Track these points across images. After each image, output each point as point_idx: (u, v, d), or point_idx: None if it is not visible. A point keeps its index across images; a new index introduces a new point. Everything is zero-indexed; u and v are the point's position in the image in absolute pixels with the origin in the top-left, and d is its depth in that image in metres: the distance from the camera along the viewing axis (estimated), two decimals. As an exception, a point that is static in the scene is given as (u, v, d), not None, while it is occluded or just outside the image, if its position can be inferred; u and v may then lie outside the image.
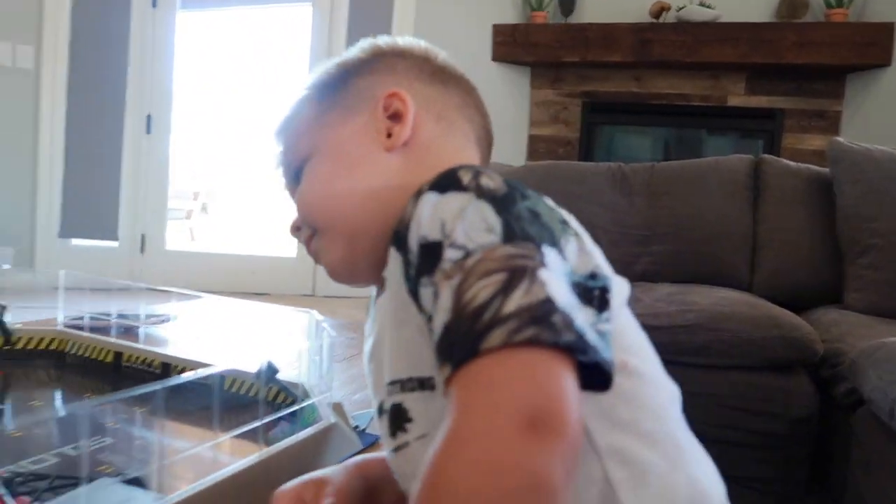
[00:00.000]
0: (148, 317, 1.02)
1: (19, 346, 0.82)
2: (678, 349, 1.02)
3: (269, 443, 0.55)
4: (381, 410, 0.42)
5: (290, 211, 0.52)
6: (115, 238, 3.73)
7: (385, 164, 0.46)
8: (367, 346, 0.46)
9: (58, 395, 0.74)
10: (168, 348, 0.93)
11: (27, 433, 0.59)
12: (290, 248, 4.18)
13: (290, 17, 4.95)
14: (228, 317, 1.23)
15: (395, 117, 0.46)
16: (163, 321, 1.08)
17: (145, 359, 0.78)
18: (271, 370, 0.63)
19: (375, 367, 0.44)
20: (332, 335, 0.58)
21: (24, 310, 0.89)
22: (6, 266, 3.35)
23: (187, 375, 0.51)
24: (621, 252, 1.55)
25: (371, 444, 0.66)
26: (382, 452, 0.55)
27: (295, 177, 0.49)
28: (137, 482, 0.45)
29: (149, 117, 3.80)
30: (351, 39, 4.25)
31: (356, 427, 0.66)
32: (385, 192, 0.45)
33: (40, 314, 0.96)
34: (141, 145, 3.80)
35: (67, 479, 0.46)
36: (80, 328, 0.87)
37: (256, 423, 0.51)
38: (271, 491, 0.52)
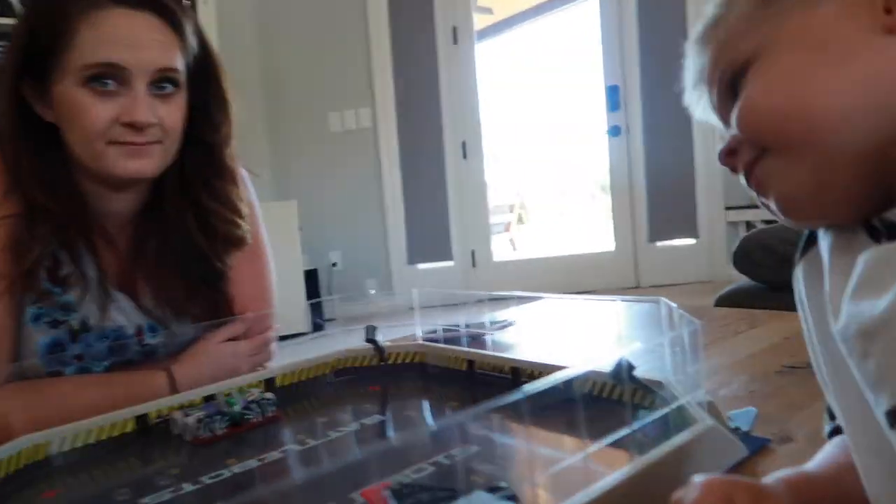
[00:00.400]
0: (492, 324, 1.05)
1: (390, 361, 0.91)
2: None
3: (638, 450, 0.49)
4: None
5: (722, 138, 0.44)
6: (450, 258, 4.14)
7: (892, 51, 0.35)
8: (847, 314, 0.34)
9: (426, 406, 0.78)
10: (514, 352, 0.94)
11: (405, 443, 0.63)
12: (608, 242, 4.11)
13: (577, 17, 4.94)
14: (567, 316, 1.22)
15: None
16: (504, 326, 1.11)
17: (495, 365, 0.79)
18: (629, 367, 0.56)
19: (887, 347, 0.32)
20: (696, 323, 0.50)
21: (388, 328, 0.99)
22: (372, 291, 3.95)
23: (549, 380, 0.48)
24: None
25: (758, 448, 0.55)
26: (798, 470, 0.44)
27: (730, 88, 0.41)
28: (513, 498, 0.43)
29: (463, 144, 4.15)
30: (642, 19, 4.07)
31: (736, 429, 0.56)
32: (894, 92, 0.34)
33: (401, 332, 1.05)
34: (460, 171, 4.16)
35: (445, 491, 0.46)
36: (436, 340, 0.93)
37: (626, 430, 0.45)
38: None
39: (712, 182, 3.85)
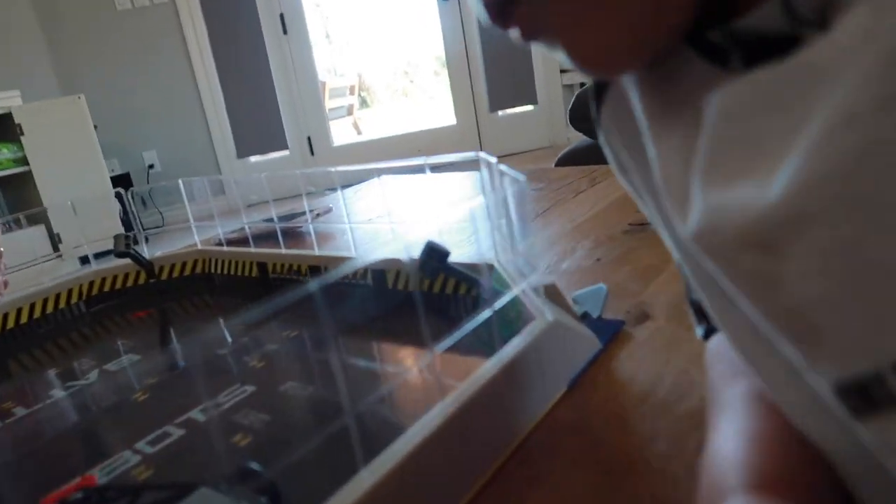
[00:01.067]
0: (295, 216, 0.86)
1: (163, 276, 0.70)
2: None
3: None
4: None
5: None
6: (285, 147, 3.80)
7: None
8: (708, 210, 0.19)
9: (205, 330, 0.60)
10: (330, 245, 0.76)
11: (153, 396, 0.45)
12: (448, 116, 3.97)
13: None
14: (400, 195, 1.05)
15: None
16: (320, 214, 0.92)
17: (291, 265, 0.62)
18: (437, 253, 0.41)
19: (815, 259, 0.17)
20: (520, 180, 0.34)
21: (180, 233, 0.77)
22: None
23: (327, 278, 0.31)
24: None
25: (612, 336, 0.43)
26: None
27: None
28: (252, 475, 0.27)
29: (282, 17, 3.70)
30: None
31: (584, 315, 0.43)
32: None
33: (207, 234, 0.83)
34: (283, 48, 3.73)
35: (162, 490, 0.29)
36: (235, 242, 0.73)
37: (442, 346, 0.30)
38: (481, 433, 0.32)
39: (547, 45, 3.76)
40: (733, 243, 0.18)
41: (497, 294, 0.39)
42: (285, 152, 3.80)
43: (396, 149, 3.88)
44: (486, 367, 0.32)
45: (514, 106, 3.97)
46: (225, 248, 0.69)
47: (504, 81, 3.95)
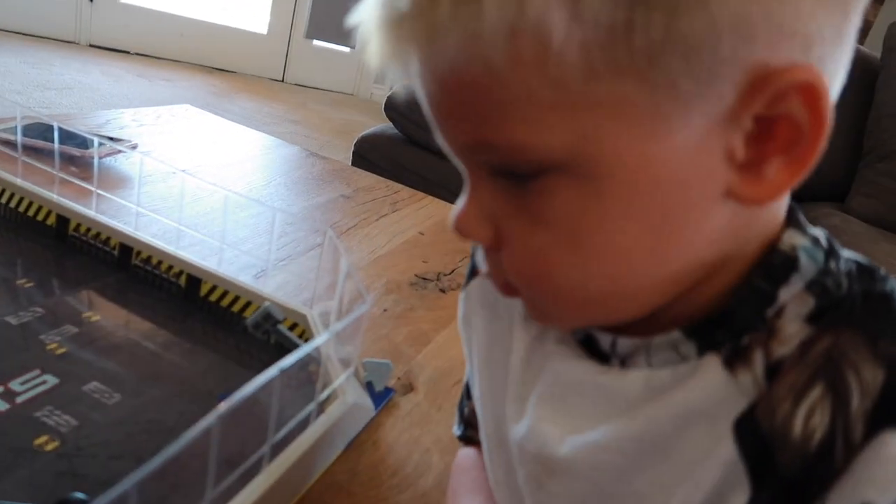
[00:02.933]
0: (108, 142, 0.81)
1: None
2: None
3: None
4: None
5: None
6: (59, -20, 3.21)
7: (715, 219, 0.24)
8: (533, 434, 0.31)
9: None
10: (131, 215, 0.75)
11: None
12: (261, 22, 3.74)
13: None
14: (212, 145, 1.03)
15: (777, 130, 0.22)
16: (121, 151, 0.88)
17: (99, 233, 0.61)
18: (271, 319, 0.48)
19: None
20: (366, 302, 0.43)
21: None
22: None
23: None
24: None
25: (387, 400, 0.54)
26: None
27: (512, 172, 0.25)
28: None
29: None
30: None
31: (368, 384, 0.53)
32: (697, 267, 0.25)
33: None
34: None
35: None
36: (13, 144, 0.68)
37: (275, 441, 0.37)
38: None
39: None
40: (532, 460, 0.30)
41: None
42: (59, -13, 3.21)
43: (196, 33, 3.54)
44: (293, 448, 0.40)
45: (331, 41, 3.89)
46: (17, 181, 0.64)
47: (330, 12, 3.83)
